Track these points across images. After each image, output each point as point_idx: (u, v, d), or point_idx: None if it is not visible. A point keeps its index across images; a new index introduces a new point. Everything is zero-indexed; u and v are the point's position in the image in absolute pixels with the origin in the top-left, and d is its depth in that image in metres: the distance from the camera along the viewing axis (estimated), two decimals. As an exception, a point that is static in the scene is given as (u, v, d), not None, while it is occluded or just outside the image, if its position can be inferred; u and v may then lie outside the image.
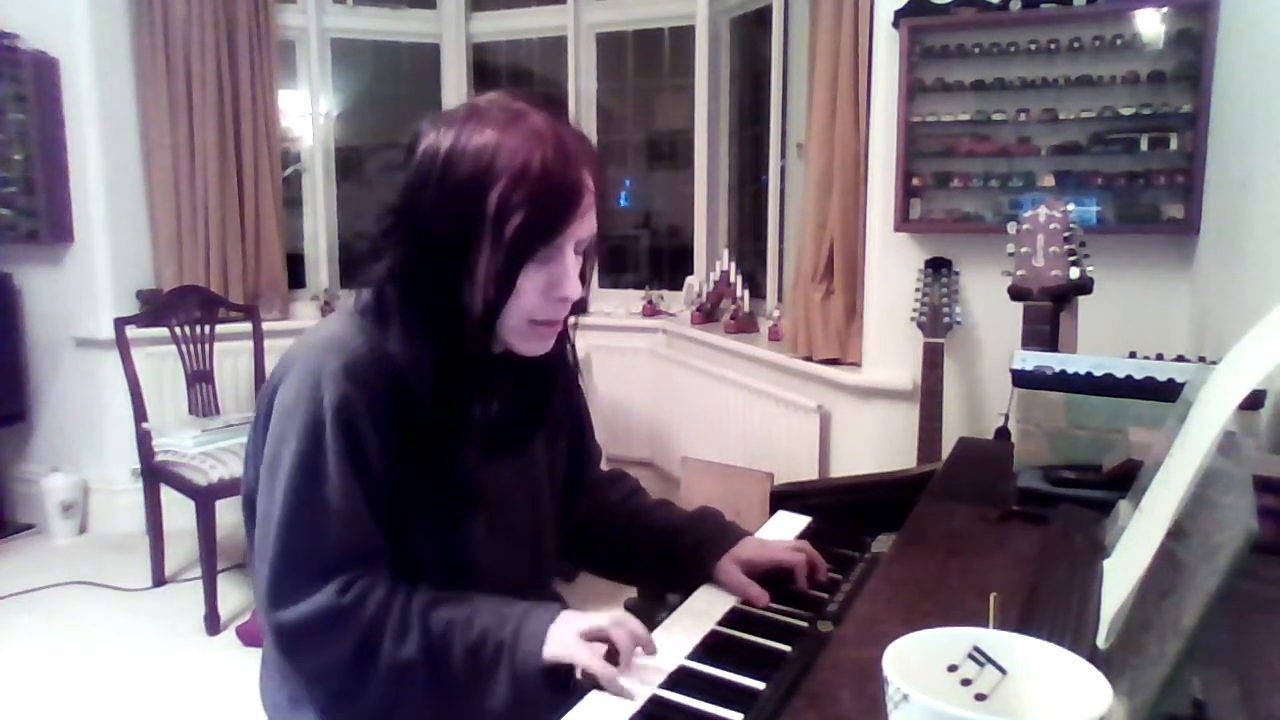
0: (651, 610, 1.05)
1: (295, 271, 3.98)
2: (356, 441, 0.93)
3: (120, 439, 3.41)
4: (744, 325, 3.47)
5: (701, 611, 1.07)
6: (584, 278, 1.01)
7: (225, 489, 2.78)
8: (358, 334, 0.96)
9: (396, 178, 0.97)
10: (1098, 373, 1.23)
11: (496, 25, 4.25)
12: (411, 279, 0.96)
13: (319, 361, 0.94)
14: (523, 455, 1.10)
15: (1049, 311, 1.84)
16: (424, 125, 0.95)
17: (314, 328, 1.02)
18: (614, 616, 0.91)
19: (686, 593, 1.14)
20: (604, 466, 1.34)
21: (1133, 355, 1.54)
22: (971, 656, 0.62)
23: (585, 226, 0.97)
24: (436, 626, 0.91)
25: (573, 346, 1.12)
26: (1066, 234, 1.86)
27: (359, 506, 0.93)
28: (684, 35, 3.91)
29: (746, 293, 3.52)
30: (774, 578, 1.13)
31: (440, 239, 0.93)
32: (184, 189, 3.59)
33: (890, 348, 2.63)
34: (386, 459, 0.95)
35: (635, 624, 0.91)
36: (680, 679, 0.90)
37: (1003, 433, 2.01)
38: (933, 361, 2.43)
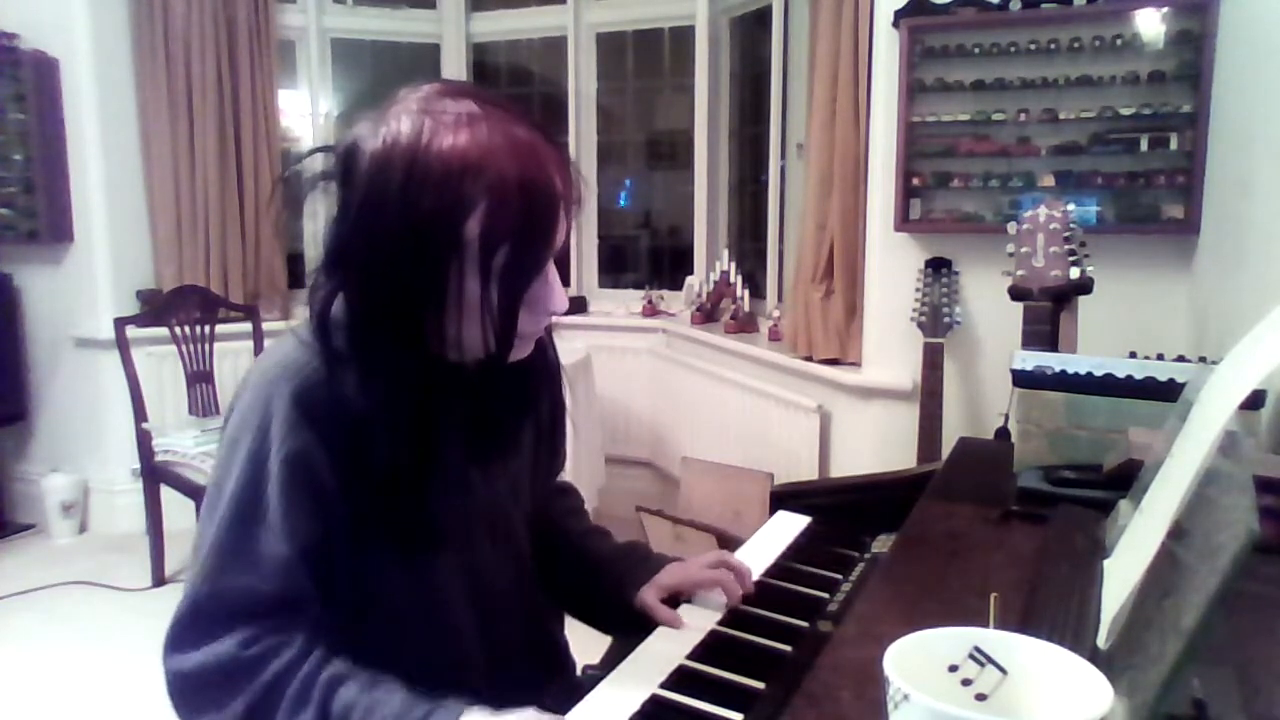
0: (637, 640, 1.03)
1: (295, 271, 3.98)
2: (308, 481, 0.85)
3: (120, 439, 3.41)
4: (744, 325, 3.46)
5: (701, 612, 1.07)
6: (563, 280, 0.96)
7: (225, 489, 2.77)
8: (310, 354, 0.88)
9: (331, 192, 0.87)
10: (1098, 373, 1.23)
11: (496, 25, 4.25)
12: (369, 316, 0.87)
13: (268, 390, 0.86)
14: (516, 454, 1.06)
15: (1049, 311, 1.84)
16: (361, 133, 0.85)
17: (268, 349, 0.94)
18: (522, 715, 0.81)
19: (603, 630, 1.14)
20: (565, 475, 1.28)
21: (1133, 355, 1.54)
22: (972, 656, 0.62)
23: (563, 234, 0.89)
24: (336, 707, 0.81)
25: (552, 341, 1.08)
26: (1066, 234, 1.86)
27: (294, 554, 0.84)
28: (684, 35, 3.91)
29: (746, 293, 3.52)
30: (774, 581, 1.13)
31: (404, 270, 0.84)
32: (184, 189, 3.59)
33: (890, 348, 2.63)
34: (344, 495, 0.87)
35: None
36: (680, 679, 0.90)
37: (1003, 433, 2.01)
38: (933, 361, 2.43)
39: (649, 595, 1.09)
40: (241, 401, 0.89)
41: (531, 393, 1.04)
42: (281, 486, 0.84)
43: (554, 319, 0.97)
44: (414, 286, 0.85)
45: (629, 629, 1.07)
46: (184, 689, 0.85)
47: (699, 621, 1.05)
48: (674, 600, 1.10)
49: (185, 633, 0.85)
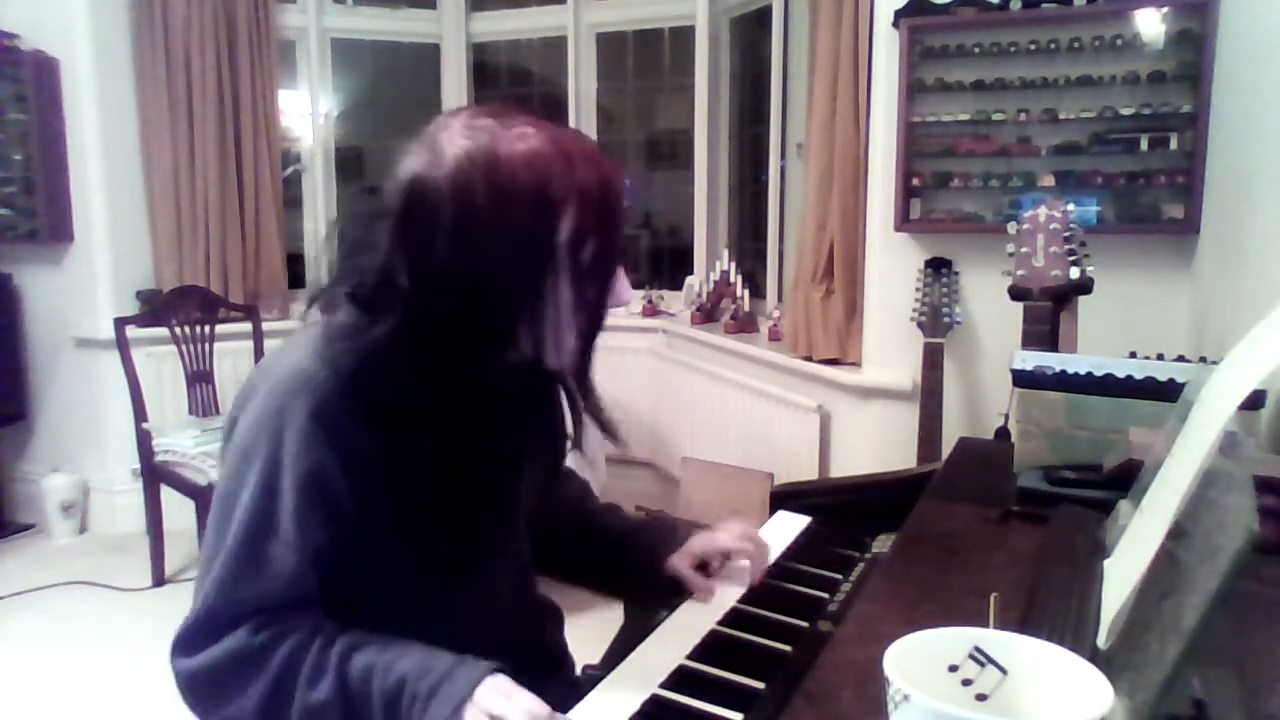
0: (641, 631, 1.04)
1: (295, 271, 3.98)
2: (323, 498, 0.86)
3: (120, 439, 3.41)
4: (744, 325, 3.46)
5: (701, 612, 1.07)
6: None
7: (225, 489, 2.77)
8: (325, 368, 0.87)
9: (377, 224, 0.88)
10: (1098, 373, 1.23)
11: (496, 25, 4.25)
12: (455, 327, 0.88)
13: (282, 401, 0.86)
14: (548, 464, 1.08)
15: (1049, 311, 1.84)
16: (416, 165, 0.86)
17: (275, 354, 0.94)
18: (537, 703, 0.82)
19: (631, 600, 1.15)
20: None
21: (1133, 355, 1.54)
22: (972, 656, 0.62)
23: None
24: (354, 670, 0.83)
25: None
26: (1066, 234, 1.86)
27: (304, 564, 0.86)
28: (684, 35, 3.91)
29: (746, 293, 3.52)
30: (774, 581, 1.13)
31: (504, 284, 0.86)
32: (184, 189, 3.59)
33: (890, 348, 2.63)
34: (361, 510, 0.88)
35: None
36: (680, 679, 0.90)
37: (1003, 433, 2.01)
38: (933, 361, 2.43)
39: (680, 563, 1.12)
40: (251, 410, 0.89)
41: (546, 406, 1.07)
42: (296, 502, 0.85)
43: None
44: (511, 296, 0.87)
45: (659, 598, 1.10)
46: (198, 685, 0.86)
47: (724, 593, 1.07)
48: (702, 570, 1.12)
49: (195, 638, 0.86)
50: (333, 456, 0.86)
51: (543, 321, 0.89)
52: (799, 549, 1.26)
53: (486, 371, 0.92)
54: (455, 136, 0.86)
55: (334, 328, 0.91)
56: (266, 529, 0.86)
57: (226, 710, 0.85)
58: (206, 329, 3.30)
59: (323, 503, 0.87)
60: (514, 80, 4.48)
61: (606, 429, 1.00)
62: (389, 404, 0.88)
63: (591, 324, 0.92)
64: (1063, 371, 1.25)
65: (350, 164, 4.23)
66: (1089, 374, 1.24)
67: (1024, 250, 1.88)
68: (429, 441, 0.90)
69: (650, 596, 1.13)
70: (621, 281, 0.94)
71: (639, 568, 1.14)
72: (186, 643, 0.86)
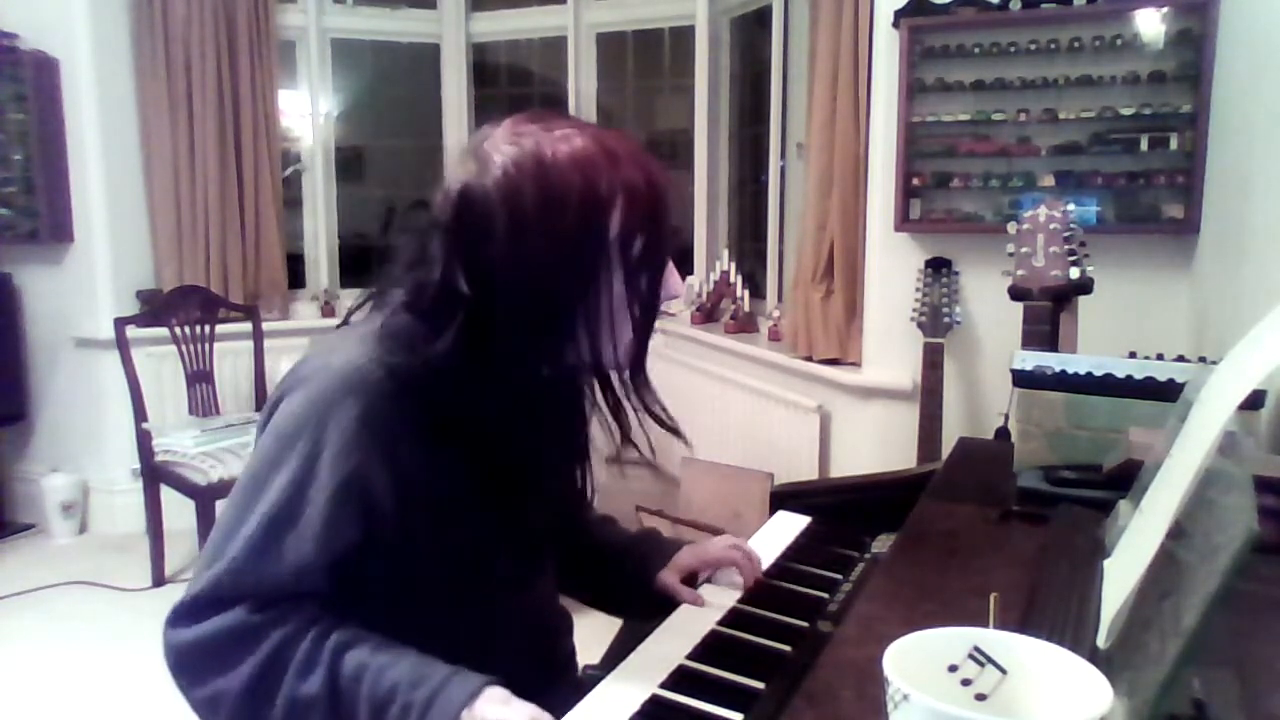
0: (641, 632, 1.04)
1: (295, 271, 3.98)
2: (362, 500, 0.86)
3: (120, 439, 3.41)
4: (744, 325, 3.46)
5: (701, 612, 1.07)
6: None
7: (225, 489, 2.78)
8: (378, 367, 0.87)
9: (430, 235, 0.90)
10: (1098, 373, 1.23)
11: (496, 25, 4.25)
12: (516, 330, 0.88)
13: (331, 397, 0.86)
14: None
15: (1049, 311, 1.84)
16: (464, 175, 0.88)
17: (330, 343, 0.93)
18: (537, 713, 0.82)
19: (622, 615, 1.16)
20: None
21: (1133, 355, 1.54)
22: (972, 656, 0.62)
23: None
24: (347, 668, 0.83)
25: None
26: (1066, 234, 1.86)
27: (321, 561, 0.85)
28: (684, 35, 3.91)
29: (746, 293, 3.52)
30: (774, 581, 1.13)
31: (560, 283, 0.87)
32: (184, 189, 3.59)
33: (890, 348, 2.63)
34: (402, 507, 0.88)
35: None
36: (680, 679, 0.90)
37: (1003, 433, 2.01)
38: (933, 361, 2.43)
39: (669, 577, 1.13)
40: (297, 397, 0.88)
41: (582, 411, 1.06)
42: (331, 501, 0.85)
43: None
44: (566, 294, 0.88)
45: (649, 612, 1.10)
46: (187, 657, 0.86)
47: (719, 600, 1.08)
48: (691, 582, 1.14)
49: (192, 610, 0.85)
50: (377, 460, 0.86)
51: (598, 318, 0.90)
52: (799, 549, 1.26)
53: (542, 379, 0.94)
54: (500, 144, 0.88)
55: (391, 329, 0.91)
56: (290, 520, 0.85)
57: (211, 686, 0.84)
58: (206, 329, 3.30)
59: (360, 504, 0.86)
60: (514, 80, 4.48)
61: (666, 426, 1.00)
62: (444, 414, 0.89)
63: (646, 318, 0.92)
64: (1063, 371, 1.25)
65: (350, 164, 4.23)
66: (1089, 374, 1.24)
67: (1024, 250, 1.88)
68: (481, 453, 0.91)
69: (640, 611, 1.14)
70: (673, 275, 0.95)
71: (630, 583, 1.15)
72: (183, 615, 0.86)
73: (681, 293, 0.97)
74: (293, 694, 0.82)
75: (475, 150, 0.89)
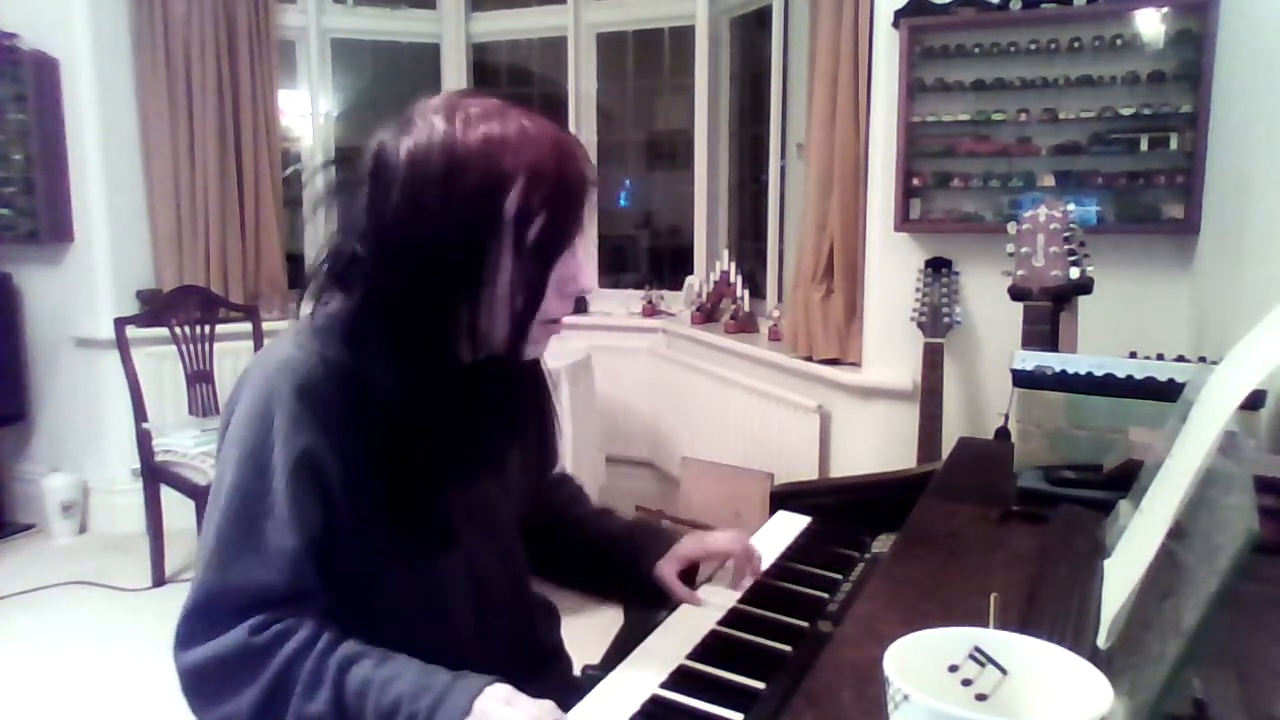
0: (641, 631, 1.04)
1: (295, 271, 3.97)
2: (314, 477, 0.86)
3: (120, 439, 3.41)
4: (744, 325, 3.46)
5: (701, 612, 1.07)
6: None
7: (225, 489, 2.77)
8: (311, 355, 0.89)
9: (354, 195, 0.91)
10: (1098, 373, 1.23)
11: (496, 25, 4.25)
12: (405, 300, 0.89)
13: (268, 386, 0.87)
14: (504, 468, 1.07)
15: (1049, 311, 1.84)
16: (388, 136, 0.89)
17: (267, 348, 0.95)
18: (540, 708, 0.81)
19: (622, 605, 1.15)
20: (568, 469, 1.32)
21: (1133, 355, 1.54)
22: (972, 656, 0.62)
23: (590, 217, 0.95)
24: (351, 685, 0.83)
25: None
26: (1066, 234, 1.86)
27: (301, 546, 0.85)
28: (684, 35, 3.91)
29: (746, 293, 3.52)
30: (774, 581, 1.13)
31: (448, 253, 0.87)
32: (184, 189, 3.59)
33: (890, 348, 2.63)
34: (349, 492, 0.88)
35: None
36: (680, 679, 0.90)
37: (1003, 433, 2.01)
38: (933, 361, 2.43)
39: (666, 570, 1.12)
40: (241, 401, 0.90)
41: (521, 401, 1.05)
42: (289, 480, 0.85)
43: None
44: (454, 266, 0.88)
45: (648, 603, 1.10)
46: (196, 682, 0.86)
47: (719, 600, 1.07)
48: (692, 573, 1.13)
49: (194, 627, 0.85)
50: (321, 437, 0.87)
51: (479, 295, 0.90)
52: (799, 549, 1.26)
53: (453, 353, 0.93)
54: (429, 112, 0.89)
55: (320, 316, 0.93)
56: (259, 509, 0.85)
57: (222, 709, 0.84)
58: (206, 329, 3.30)
59: (316, 483, 0.87)
60: (514, 80, 4.48)
61: (545, 417, 1.02)
62: (361, 383, 0.88)
63: (527, 305, 0.90)
64: (1063, 371, 1.25)
65: (350, 164, 4.23)
66: (1089, 374, 1.24)
67: (1024, 250, 1.88)
68: (398, 423, 0.89)
69: (640, 601, 1.14)
70: (584, 267, 0.95)
71: (627, 573, 1.14)
72: (187, 634, 0.86)
73: (592, 287, 0.97)
74: (300, 714, 0.82)
75: (405, 115, 0.91)
